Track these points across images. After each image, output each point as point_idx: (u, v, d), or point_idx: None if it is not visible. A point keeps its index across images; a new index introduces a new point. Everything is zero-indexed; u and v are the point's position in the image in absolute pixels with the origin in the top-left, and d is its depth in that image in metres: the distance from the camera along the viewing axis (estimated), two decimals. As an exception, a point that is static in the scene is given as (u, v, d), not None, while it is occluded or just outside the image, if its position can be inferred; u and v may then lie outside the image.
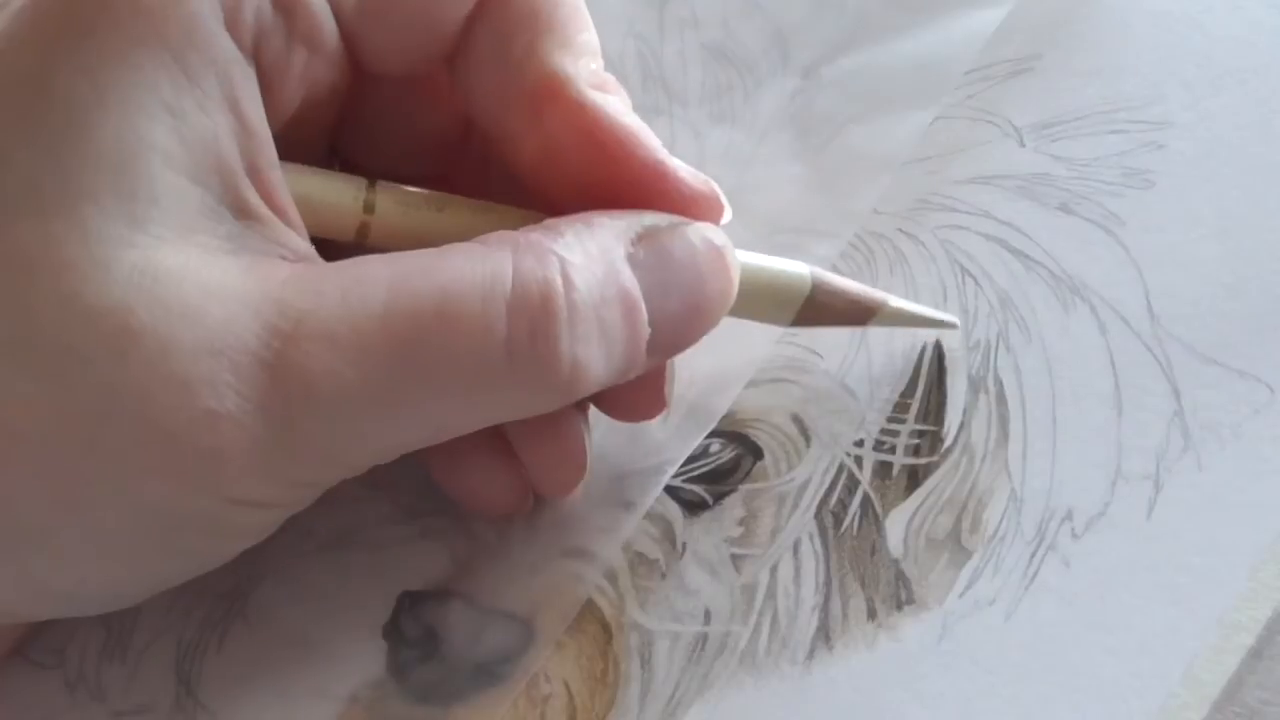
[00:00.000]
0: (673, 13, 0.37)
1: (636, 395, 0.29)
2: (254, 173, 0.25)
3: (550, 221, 0.27)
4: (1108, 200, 0.31)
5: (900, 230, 0.32)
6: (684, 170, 0.27)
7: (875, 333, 0.31)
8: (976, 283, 0.31)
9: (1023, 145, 0.33)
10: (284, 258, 0.25)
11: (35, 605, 0.27)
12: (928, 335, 0.31)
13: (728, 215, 0.28)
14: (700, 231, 0.27)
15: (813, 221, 0.33)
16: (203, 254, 0.24)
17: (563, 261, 0.25)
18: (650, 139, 0.27)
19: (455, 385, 0.25)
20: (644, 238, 0.27)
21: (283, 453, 0.25)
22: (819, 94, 0.35)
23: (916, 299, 0.31)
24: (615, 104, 0.27)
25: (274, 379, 0.24)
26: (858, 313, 0.29)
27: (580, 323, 0.25)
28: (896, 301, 0.30)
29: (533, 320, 0.25)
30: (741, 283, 0.28)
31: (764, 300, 0.29)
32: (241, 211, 0.25)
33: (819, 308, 0.29)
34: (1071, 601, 0.27)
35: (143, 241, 0.24)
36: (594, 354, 0.26)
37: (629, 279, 0.26)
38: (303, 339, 0.24)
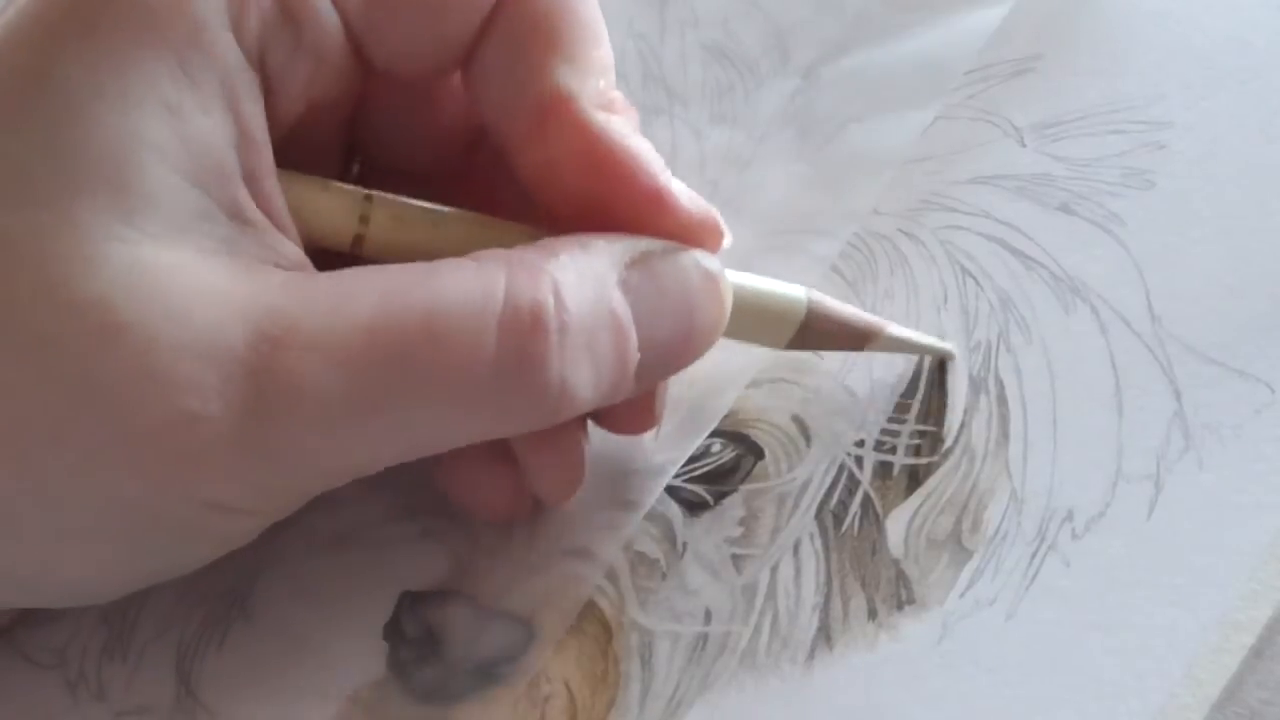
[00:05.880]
0: (673, 13, 0.37)
1: (626, 411, 0.29)
2: (251, 179, 0.25)
3: (545, 241, 0.26)
4: (1108, 200, 0.31)
5: (900, 230, 0.33)
6: (684, 196, 0.27)
7: (876, 333, 0.31)
8: (977, 283, 0.31)
9: (1023, 145, 0.33)
10: (278, 264, 0.25)
11: None
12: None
13: (728, 241, 0.28)
14: (694, 258, 0.27)
15: (813, 221, 0.33)
16: (195, 254, 0.24)
17: (556, 282, 0.25)
18: (652, 163, 0.27)
19: (440, 400, 0.25)
20: (638, 262, 0.27)
21: (262, 458, 0.24)
22: (819, 94, 0.35)
23: (917, 299, 0.31)
24: (619, 125, 0.27)
25: (258, 384, 0.24)
26: (854, 339, 0.29)
27: (570, 345, 0.25)
28: (894, 329, 0.30)
29: (523, 339, 0.25)
30: (735, 306, 0.28)
31: (757, 325, 0.29)
32: (237, 216, 0.25)
33: (814, 333, 0.29)
34: (1071, 601, 0.27)
35: (134, 237, 0.24)
36: (582, 376, 0.25)
37: (620, 303, 0.26)
38: (290, 346, 0.24)
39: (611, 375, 0.26)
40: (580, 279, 0.26)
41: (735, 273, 0.28)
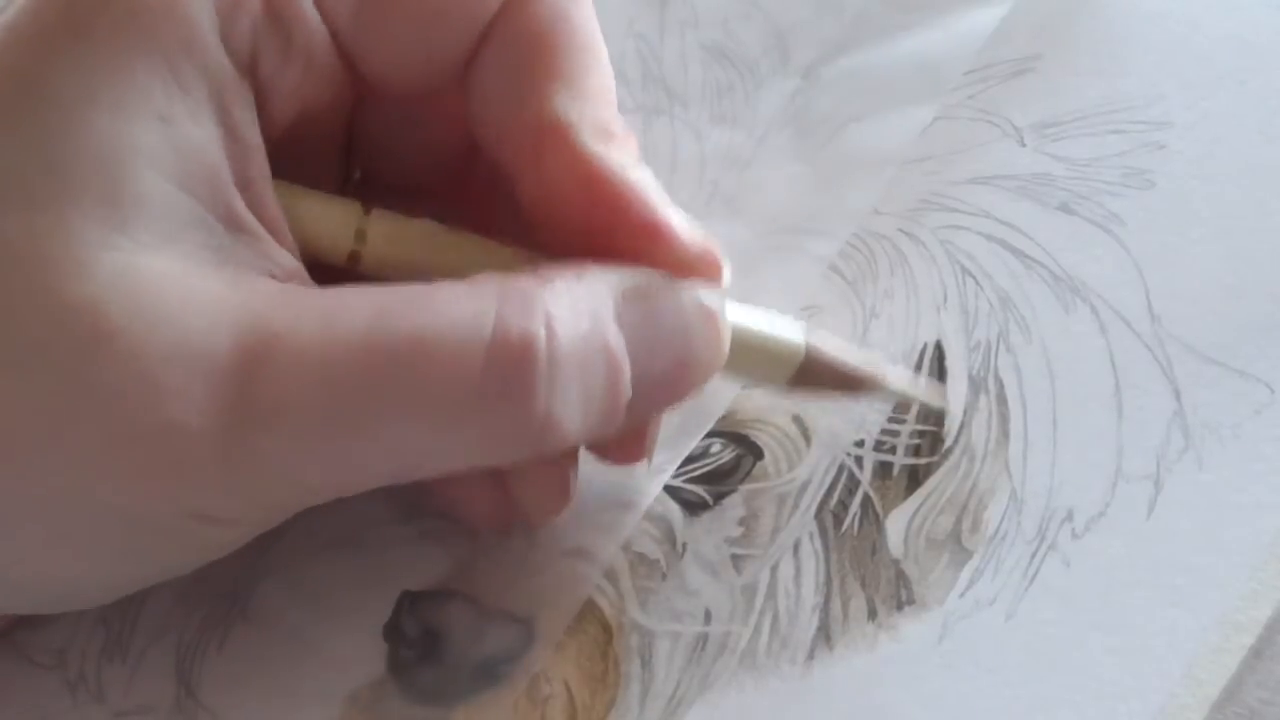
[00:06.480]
0: (673, 13, 0.37)
1: (616, 443, 0.28)
2: (245, 186, 0.25)
3: (541, 268, 0.26)
4: (1108, 200, 0.31)
5: (900, 230, 0.33)
6: (682, 230, 0.27)
7: (876, 333, 0.31)
8: (977, 283, 0.31)
9: (1023, 145, 0.33)
10: (272, 274, 0.25)
11: None
12: (928, 335, 0.31)
13: (728, 276, 0.27)
14: (693, 294, 0.26)
15: (813, 221, 0.33)
16: (185, 262, 0.24)
17: (549, 312, 0.25)
18: (650, 195, 0.26)
19: (424, 422, 0.24)
20: (634, 295, 0.26)
21: (244, 469, 0.24)
22: (819, 94, 0.35)
23: (917, 299, 0.31)
24: (617, 156, 0.26)
25: (242, 395, 0.24)
26: (853, 385, 0.29)
27: (559, 377, 0.25)
28: (895, 380, 0.29)
29: (509, 368, 0.24)
30: (732, 345, 0.27)
31: (755, 366, 0.28)
32: (231, 223, 0.25)
33: (812, 377, 0.28)
34: (1071, 601, 0.27)
35: (125, 244, 0.24)
36: (570, 409, 0.25)
37: (614, 336, 0.25)
38: (276, 358, 0.24)
39: (602, 409, 0.25)
40: (574, 310, 0.25)
41: (735, 307, 0.27)
